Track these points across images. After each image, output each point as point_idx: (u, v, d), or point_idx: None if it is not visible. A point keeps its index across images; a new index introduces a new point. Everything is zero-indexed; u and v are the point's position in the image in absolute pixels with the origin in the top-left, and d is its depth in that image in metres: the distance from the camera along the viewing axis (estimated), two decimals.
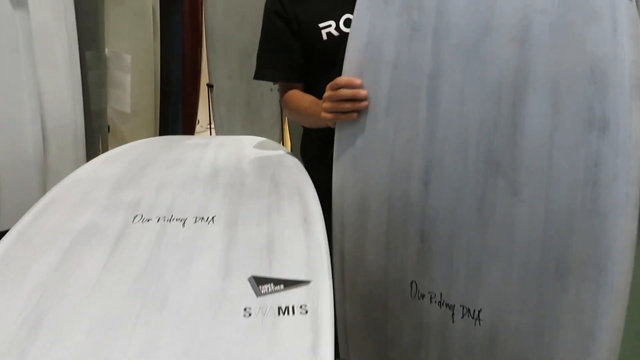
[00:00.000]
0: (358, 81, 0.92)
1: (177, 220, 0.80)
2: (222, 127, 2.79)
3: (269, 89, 2.72)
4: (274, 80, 1.36)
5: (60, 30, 1.38)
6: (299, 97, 1.20)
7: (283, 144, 2.79)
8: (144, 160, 1.08)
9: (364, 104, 0.93)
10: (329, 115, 0.99)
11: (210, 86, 2.74)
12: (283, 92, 1.26)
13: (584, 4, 0.69)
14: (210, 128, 3.20)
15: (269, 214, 0.83)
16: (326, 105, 0.99)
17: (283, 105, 1.27)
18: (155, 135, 2.02)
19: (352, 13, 1.06)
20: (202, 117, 3.88)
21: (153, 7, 1.97)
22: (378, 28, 0.89)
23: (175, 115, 2.54)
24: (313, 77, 1.22)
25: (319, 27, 1.16)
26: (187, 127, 3.16)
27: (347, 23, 1.13)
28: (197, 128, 3.69)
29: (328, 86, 0.98)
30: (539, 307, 0.77)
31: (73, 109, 1.35)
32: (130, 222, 0.80)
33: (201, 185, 0.95)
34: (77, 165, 1.19)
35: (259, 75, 1.27)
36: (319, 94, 1.08)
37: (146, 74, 1.88)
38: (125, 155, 1.12)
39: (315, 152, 1.27)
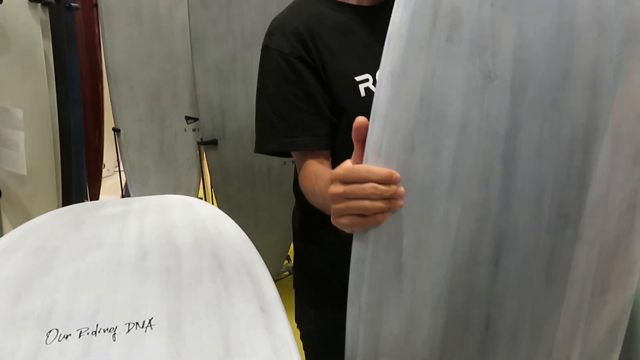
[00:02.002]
0: (397, 175, 0.63)
1: (104, 331, 0.65)
2: (134, 173, 2.58)
3: (182, 129, 2.55)
4: (303, 149, 0.92)
5: None
6: (320, 172, 0.86)
7: (204, 187, 2.62)
8: (51, 247, 0.90)
9: (400, 202, 0.64)
10: (344, 221, 0.65)
11: (116, 130, 2.52)
12: (301, 162, 0.93)
13: None
14: (119, 171, 2.97)
15: (219, 307, 0.70)
16: (340, 206, 0.64)
17: (300, 183, 0.93)
18: (57, 197, 1.78)
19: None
20: (108, 160, 3.61)
21: (45, 52, 1.76)
22: (438, 77, 0.65)
23: (79, 169, 2.29)
24: (341, 144, 0.93)
25: (355, 80, 0.90)
26: (93, 175, 2.90)
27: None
28: (104, 172, 3.43)
29: (338, 175, 0.65)
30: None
31: None
32: (42, 342, 0.63)
33: (128, 276, 0.79)
34: None
35: (275, 145, 0.92)
36: None
37: (43, 128, 1.65)
38: (25, 241, 0.93)
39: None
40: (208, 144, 2.19)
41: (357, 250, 0.69)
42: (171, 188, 2.56)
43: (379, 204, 0.62)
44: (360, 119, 0.64)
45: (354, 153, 0.66)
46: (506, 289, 0.71)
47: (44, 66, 1.69)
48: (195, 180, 2.60)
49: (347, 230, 0.67)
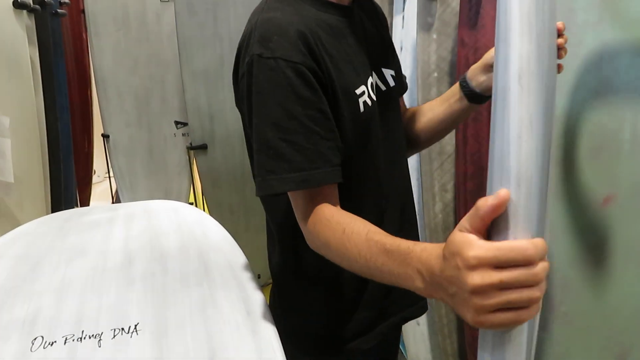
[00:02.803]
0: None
1: (90, 337, 0.65)
2: (123, 179, 2.57)
3: (172, 134, 2.55)
4: (323, 184, 0.73)
5: None
6: (352, 225, 0.68)
7: (194, 192, 2.62)
8: (36, 254, 0.90)
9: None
10: (499, 318, 0.47)
11: (105, 136, 2.52)
12: (309, 202, 0.73)
13: None
14: (110, 177, 2.96)
15: (204, 312, 0.70)
16: (494, 300, 0.47)
17: (308, 232, 0.73)
18: (46, 204, 1.78)
19: (377, 72, 0.83)
20: (98, 166, 3.60)
21: (31, 58, 1.75)
22: None
23: (68, 176, 2.28)
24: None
25: (355, 94, 0.78)
26: (83, 181, 2.89)
27: (375, 87, 0.83)
28: (94, 179, 3.42)
29: (487, 259, 0.47)
30: None
31: None
32: (27, 349, 0.63)
33: (113, 281, 0.79)
34: None
35: (292, 184, 0.72)
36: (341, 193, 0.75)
37: (30, 135, 1.65)
38: (10, 248, 0.93)
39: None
40: (197, 148, 2.19)
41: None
42: (162, 193, 2.56)
43: (538, 293, 0.48)
44: (504, 193, 0.47)
45: (469, 219, 0.49)
46: None
47: (30, 73, 1.69)
48: (185, 185, 2.60)
49: (498, 329, 0.49)
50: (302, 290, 0.87)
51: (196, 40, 2.13)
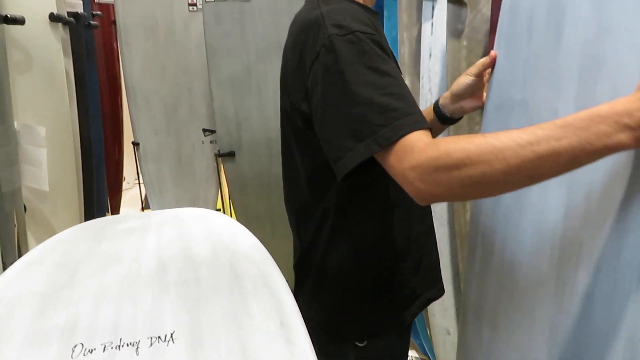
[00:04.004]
0: None
1: (127, 345, 0.66)
2: (152, 186, 2.62)
3: (200, 142, 2.58)
4: (426, 125, 0.72)
5: None
6: (475, 135, 0.65)
7: (222, 198, 2.65)
8: (73, 261, 0.92)
9: None
10: None
11: (135, 144, 2.57)
12: (420, 141, 0.69)
13: None
14: (139, 184, 3.01)
15: (237, 321, 0.71)
16: None
17: (428, 166, 0.66)
18: (79, 211, 1.82)
19: None
20: (128, 173, 3.67)
21: (66, 69, 1.80)
22: None
23: (100, 183, 2.34)
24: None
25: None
26: (114, 187, 2.95)
27: None
28: (124, 185, 3.49)
29: None
30: None
31: None
32: (68, 356, 0.65)
33: (149, 289, 0.81)
34: None
35: (409, 127, 0.70)
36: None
37: (64, 144, 1.69)
38: (49, 255, 0.95)
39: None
40: (225, 155, 2.22)
41: None
42: (190, 199, 2.59)
43: None
44: None
45: None
46: None
47: (65, 83, 1.73)
48: (213, 192, 2.62)
49: None
50: (344, 277, 0.95)
51: (223, 49, 2.16)
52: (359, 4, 0.89)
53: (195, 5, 2.45)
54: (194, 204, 2.64)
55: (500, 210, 0.87)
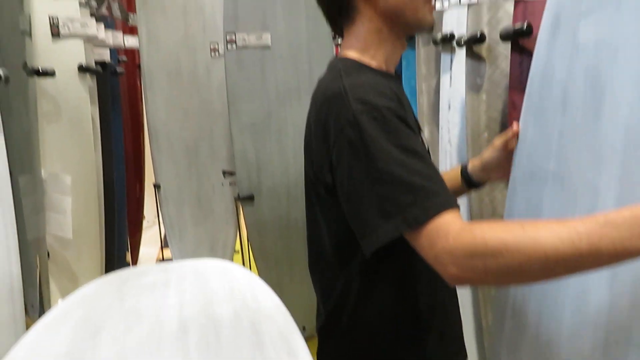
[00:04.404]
0: None
1: None
2: (172, 227, 2.64)
3: (220, 183, 2.61)
4: (455, 205, 0.73)
5: None
6: (511, 222, 0.66)
7: (240, 241, 2.66)
8: (96, 320, 0.93)
9: None
10: None
11: (157, 186, 2.60)
12: (453, 223, 0.69)
13: None
14: (159, 223, 3.04)
15: None
16: None
17: (462, 252, 0.66)
18: (100, 255, 1.84)
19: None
20: (148, 211, 3.71)
21: (92, 116, 1.85)
22: None
23: (121, 224, 2.37)
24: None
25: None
26: (134, 226, 2.98)
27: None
28: (144, 223, 3.52)
29: None
30: None
31: (7, 257, 1.18)
32: None
33: (170, 352, 0.81)
34: (15, 327, 1.01)
35: (437, 206, 0.70)
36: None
37: (88, 191, 1.73)
38: (73, 313, 0.96)
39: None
40: (245, 199, 2.23)
41: None
42: (209, 241, 2.60)
43: None
44: None
45: None
46: None
47: (91, 131, 1.78)
48: (232, 234, 2.63)
49: None
50: (369, 345, 0.94)
51: (244, 94, 2.20)
52: (380, 71, 0.90)
53: (217, 50, 2.51)
54: (213, 246, 2.65)
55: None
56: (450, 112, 1.42)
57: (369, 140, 0.75)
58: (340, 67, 0.86)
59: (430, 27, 0.91)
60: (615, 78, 0.68)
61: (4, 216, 1.28)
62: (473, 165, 1.05)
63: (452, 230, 0.68)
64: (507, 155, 0.96)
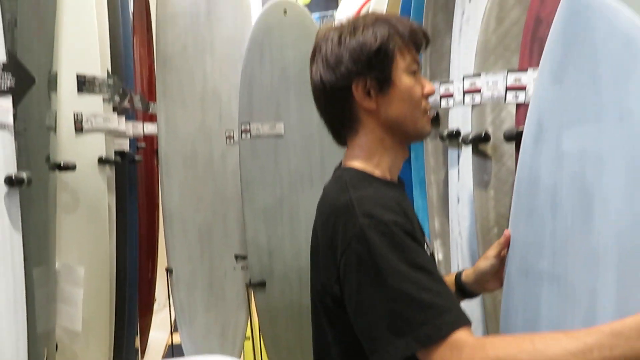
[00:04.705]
0: None
1: None
2: (183, 312, 2.61)
3: (232, 268, 2.60)
4: (467, 322, 0.75)
5: (3, 254, 1.26)
6: (521, 335, 0.72)
7: (251, 327, 2.61)
8: None
9: None
10: None
11: (169, 271, 2.60)
12: (467, 341, 0.72)
13: None
14: (169, 306, 3.01)
15: None
16: None
17: None
18: (109, 345, 1.81)
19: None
20: (159, 293, 3.68)
21: (109, 205, 1.90)
22: None
23: (132, 308, 2.35)
24: None
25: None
26: (145, 308, 2.95)
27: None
28: (155, 305, 3.48)
29: None
30: None
31: (16, 352, 1.17)
32: None
33: None
34: None
35: (448, 326, 0.72)
36: None
37: (101, 281, 1.74)
38: None
39: None
40: (256, 285, 2.22)
41: None
42: (219, 327, 2.56)
43: None
44: None
45: None
46: None
47: (107, 220, 1.82)
48: (243, 320, 2.59)
49: None
50: None
51: (258, 181, 2.25)
52: (384, 180, 0.93)
53: (232, 138, 2.60)
54: (223, 332, 2.60)
55: None
56: (459, 206, 1.44)
57: (378, 256, 0.76)
58: (347, 179, 0.89)
59: (428, 135, 0.96)
60: (603, 186, 0.71)
61: (15, 311, 1.29)
62: (467, 275, 1.06)
63: (465, 348, 0.70)
64: (501, 264, 0.97)
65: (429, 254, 0.89)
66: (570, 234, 0.77)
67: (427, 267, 0.77)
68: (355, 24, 0.91)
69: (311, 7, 5.25)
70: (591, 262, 0.72)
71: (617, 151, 0.69)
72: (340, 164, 0.98)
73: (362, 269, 0.78)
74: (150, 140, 2.92)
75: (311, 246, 0.95)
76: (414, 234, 0.81)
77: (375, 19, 0.91)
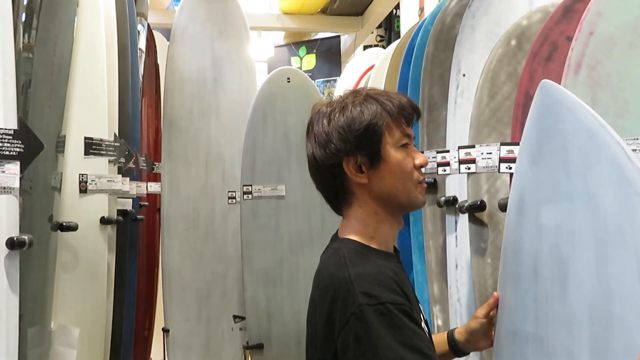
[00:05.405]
0: None
1: None
2: None
3: (230, 329, 2.56)
4: None
5: None
6: None
7: None
8: None
9: None
10: None
11: (166, 330, 2.56)
12: None
13: None
14: None
15: None
16: None
17: None
18: None
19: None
20: (155, 353, 3.59)
21: (109, 264, 1.90)
22: None
23: None
24: None
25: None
26: None
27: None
28: None
29: None
30: None
31: None
32: None
33: None
34: None
35: None
36: None
37: (95, 342, 1.71)
38: None
39: None
40: (254, 348, 2.19)
41: None
42: None
43: None
44: None
45: None
46: None
47: (105, 280, 1.81)
48: None
49: None
50: None
51: (258, 242, 2.26)
52: (381, 252, 0.94)
53: (234, 198, 2.63)
54: None
55: None
56: (458, 271, 1.44)
57: (376, 336, 0.78)
58: (344, 253, 0.90)
59: (423, 204, 0.98)
60: (576, 259, 0.78)
61: None
62: (459, 333, 1.08)
63: None
64: (490, 324, 1.00)
65: (425, 329, 0.89)
66: (550, 299, 0.82)
67: (424, 350, 0.79)
68: (345, 102, 0.94)
69: (315, 72, 5.42)
70: (568, 326, 0.79)
71: (586, 229, 0.76)
72: (337, 233, 0.99)
73: (359, 348, 0.79)
74: (154, 199, 2.94)
75: (308, 315, 0.95)
76: (412, 314, 0.82)
77: (365, 96, 0.93)
